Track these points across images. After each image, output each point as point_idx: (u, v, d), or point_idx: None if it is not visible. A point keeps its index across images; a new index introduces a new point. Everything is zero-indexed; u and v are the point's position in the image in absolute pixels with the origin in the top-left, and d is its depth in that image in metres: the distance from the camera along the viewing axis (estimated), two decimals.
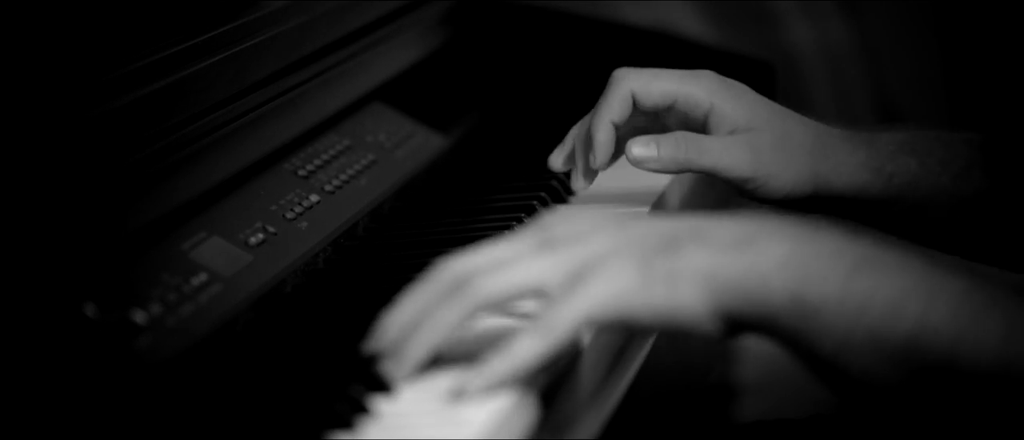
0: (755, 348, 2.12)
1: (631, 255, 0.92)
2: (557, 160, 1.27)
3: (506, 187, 1.39)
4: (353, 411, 0.95)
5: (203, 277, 1.10)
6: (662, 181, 1.37)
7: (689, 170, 1.21)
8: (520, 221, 1.28)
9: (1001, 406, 0.89)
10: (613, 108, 1.22)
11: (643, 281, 0.92)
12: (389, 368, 0.96)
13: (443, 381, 0.96)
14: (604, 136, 1.23)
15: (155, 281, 1.06)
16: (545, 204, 1.33)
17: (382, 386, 0.97)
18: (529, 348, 0.93)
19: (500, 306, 0.94)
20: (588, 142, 1.24)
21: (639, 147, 1.21)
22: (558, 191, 1.36)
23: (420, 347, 0.94)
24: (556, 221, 0.97)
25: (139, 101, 1.13)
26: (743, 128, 1.22)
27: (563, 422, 1.00)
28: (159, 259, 1.09)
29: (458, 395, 0.94)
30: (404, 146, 1.43)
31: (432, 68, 1.59)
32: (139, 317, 1.02)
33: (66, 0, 1.13)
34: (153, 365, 1.01)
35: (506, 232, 1.24)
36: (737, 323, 0.92)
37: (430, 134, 1.48)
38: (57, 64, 1.10)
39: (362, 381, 0.97)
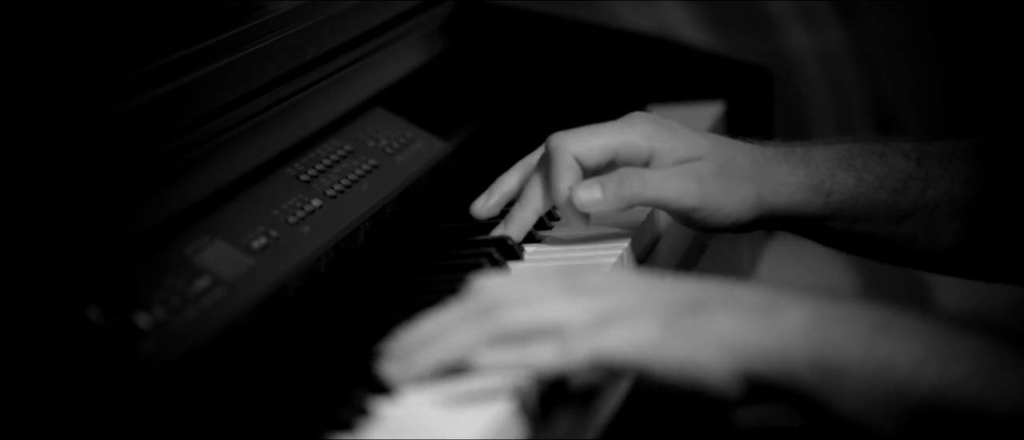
0: None
1: (656, 311, 0.94)
2: (483, 209, 1.25)
3: None
4: (355, 413, 0.95)
5: (206, 281, 1.10)
6: None
7: (637, 204, 1.19)
8: None
9: None
10: (565, 177, 1.20)
11: (665, 337, 0.93)
12: (393, 371, 0.97)
13: (444, 384, 0.97)
14: (571, 204, 1.21)
15: (158, 285, 1.06)
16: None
17: (384, 389, 0.97)
18: (544, 356, 0.94)
19: (519, 337, 0.95)
20: (529, 202, 1.23)
21: (583, 191, 1.19)
22: None
23: (430, 358, 0.96)
24: (586, 271, 0.98)
25: (142, 106, 1.13)
26: (685, 160, 1.21)
27: (564, 424, 1.00)
28: (162, 263, 1.09)
29: (464, 367, 0.95)
30: (405, 151, 1.44)
31: (433, 73, 1.60)
32: (142, 321, 1.02)
33: (69, 5, 1.14)
34: (156, 369, 1.01)
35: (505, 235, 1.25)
36: (757, 386, 0.93)
37: (431, 139, 1.48)
38: (61, 69, 1.10)
39: (364, 383, 0.97)
